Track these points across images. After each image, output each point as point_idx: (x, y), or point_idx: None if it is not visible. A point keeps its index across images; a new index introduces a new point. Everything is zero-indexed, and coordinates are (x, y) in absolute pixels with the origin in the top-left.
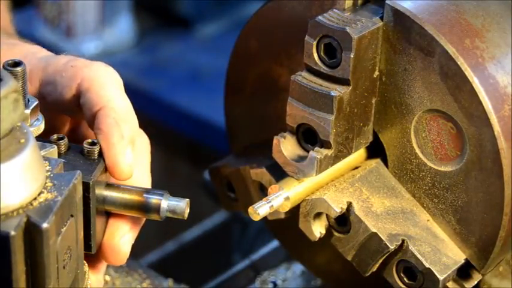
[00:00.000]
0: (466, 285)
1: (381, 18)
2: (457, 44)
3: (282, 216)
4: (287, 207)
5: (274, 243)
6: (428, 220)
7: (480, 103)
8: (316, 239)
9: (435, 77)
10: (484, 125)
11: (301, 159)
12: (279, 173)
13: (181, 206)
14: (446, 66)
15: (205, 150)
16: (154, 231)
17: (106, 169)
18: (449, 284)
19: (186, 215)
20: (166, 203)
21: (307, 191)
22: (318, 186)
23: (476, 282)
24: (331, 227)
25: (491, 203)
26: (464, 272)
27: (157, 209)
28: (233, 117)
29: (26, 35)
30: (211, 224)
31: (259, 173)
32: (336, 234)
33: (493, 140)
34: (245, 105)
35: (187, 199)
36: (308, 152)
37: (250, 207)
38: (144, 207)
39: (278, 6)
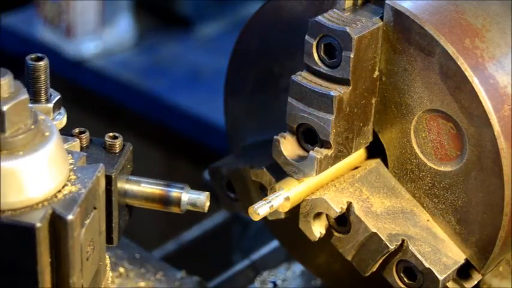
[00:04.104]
0: (466, 285)
1: (381, 18)
2: (457, 44)
3: (282, 216)
4: (287, 207)
5: (274, 243)
6: (428, 220)
7: (480, 103)
8: (316, 239)
9: (435, 77)
10: (484, 125)
11: (301, 159)
12: (279, 173)
13: (202, 199)
14: (446, 66)
15: (205, 150)
16: (154, 231)
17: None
18: (449, 284)
19: (206, 208)
20: (187, 196)
21: (307, 191)
22: (318, 186)
23: (476, 282)
24: (331, 227)
25: (491, 203)
26: (464, 272)
27: (177, 202)
28: (233, 117)
29: (26, 35)
30: (211, 224)
31: (259, 173)
32: (336, 234)
33: (493, 140)
34: (245, 105)
35: (208, 192)
36: (308, 152)
37: (250, 207)
38: (164, 200)
39: (278, 6)
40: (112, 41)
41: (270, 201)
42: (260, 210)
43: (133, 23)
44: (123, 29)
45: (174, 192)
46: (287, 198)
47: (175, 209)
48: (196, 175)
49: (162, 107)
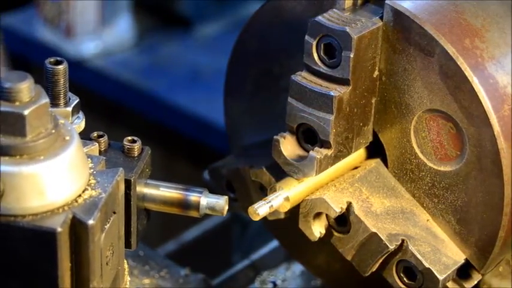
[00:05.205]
0: (465, 285)
1: (381, 18)
2: (457, 43)
3: (282, 216)
4: (287, 207)
5: (274, 243)
6: (428, 220)
7: (480, 103)
8: (316, 239)
9: (435, 77)
10: (483, 125)
11: (301, 159)
12: (279, 173)
13: (221, 203)
14: (446, 66)
15: (205, 150)
16: (154, 231)
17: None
18: (449, 284)
19: (225, 212)
20: (206, 200)
21: (307, 191)
22: (318, 186)
23: (476, 282)
24: (331, 227)
25: (491, 203)
26: (464, 272)
27: (196, 206)
28: (233, 117)
29: (26, 35)
30: (211, 224)
31: (259, 173)
32: (335, 234)
33: (492, 140)
34: (245, 105)
35: (226, 196)
36: (308, 152)
37: (250, 207)
38: (183, 205)
39: (278, 6)
40: (112, 41)
41: (269, 201)
42: (260, 210)
43: (133, 23)
44: (123, 29)
45: (193, 197)
46: (287, 198)
47: (193, 213)
48: (196, 175)
49: (162, 107)
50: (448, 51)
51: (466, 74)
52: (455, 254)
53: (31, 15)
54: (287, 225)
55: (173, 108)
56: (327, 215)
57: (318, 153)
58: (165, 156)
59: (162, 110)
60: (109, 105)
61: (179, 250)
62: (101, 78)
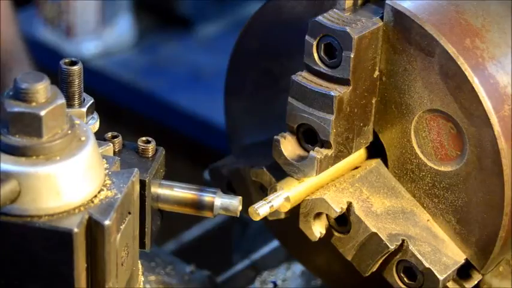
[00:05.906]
0: (466, 285)
1: (381, 18)
2: (457, 44)
3: (282, 216)
4: (287, 207)
5: (274, 243)
6: (428, 220)
7: (480, 103)
8: (317, 239)
9: (435, 77)
10: (484, 125)
11: (301, 159)
12: (279, 173)
13: (235, 203)
14: (446, 66)
15: (205, 150)
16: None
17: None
18: (450, 284)
19: (238, 213)
20: (220, 200)
21: (307, 191)
22: (318, 186)
23: (476, 282)
24: (331, 227)
25: (491, 203)
26: (464, 272)
27: (210, 206)
28: (233, 117)
29: (26, 35)
30: (211, 224)
31: (259, 173)
32: (336, 234)
33: (493, 140)
34: (245, 105)
35: (240, 197)
36: (308, 152)
37: (251, 207)
38: (197, 205)
39: (278, 6)
40: (112, 41)
41: (270, 201)
42: (260, 210)
43: (133, 23)
44: (123, 29)
45: (207, 197)
46: (287, 198)
47: (207, 214)
48: (196, 175)
49: (162, 107)
50: (449, 51)
51: (467, 74)
52: (455, 254)
53: (31, 15)
54: (287, 225)
55: (173, 108)
56: (327, 215)
57: (318, 153)
58: (165, 156)
59: (162, 110)
60: (109, 105)
61: (179, 250)
62: (101, 78)
